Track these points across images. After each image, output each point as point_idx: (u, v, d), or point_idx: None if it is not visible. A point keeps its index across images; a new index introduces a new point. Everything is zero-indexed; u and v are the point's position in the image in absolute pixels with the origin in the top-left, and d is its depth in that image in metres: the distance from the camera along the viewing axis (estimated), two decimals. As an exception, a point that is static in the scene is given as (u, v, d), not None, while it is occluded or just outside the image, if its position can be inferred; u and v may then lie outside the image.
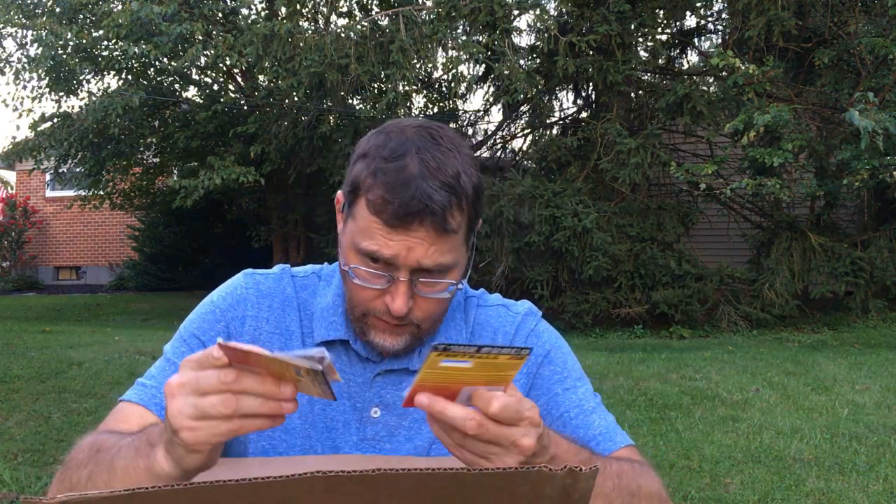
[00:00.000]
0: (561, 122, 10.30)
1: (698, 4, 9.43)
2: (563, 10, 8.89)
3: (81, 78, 10.27)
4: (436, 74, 10.20)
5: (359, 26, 8.74)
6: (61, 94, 10.34)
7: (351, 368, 0.98)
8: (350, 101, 9.46)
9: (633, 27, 8.65)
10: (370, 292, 0.89)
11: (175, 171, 12.46)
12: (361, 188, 0.87)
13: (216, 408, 0.63)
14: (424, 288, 0.89)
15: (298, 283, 1.03)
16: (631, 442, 0.97)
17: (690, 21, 10.06)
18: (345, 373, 0.98)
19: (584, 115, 9.91)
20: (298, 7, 9.18)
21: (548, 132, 10.23)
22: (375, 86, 9.45)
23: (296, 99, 9.07)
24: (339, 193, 0.93)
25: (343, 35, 8.41)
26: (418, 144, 0.87)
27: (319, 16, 10.42)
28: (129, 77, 10.25)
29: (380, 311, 0.90)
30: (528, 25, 9.89)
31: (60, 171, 11.22)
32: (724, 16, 9.77)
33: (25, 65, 9.93)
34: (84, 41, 9.24)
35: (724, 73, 8.13)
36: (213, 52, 8.88)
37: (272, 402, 0.64)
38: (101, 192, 11.82)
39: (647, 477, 0.87)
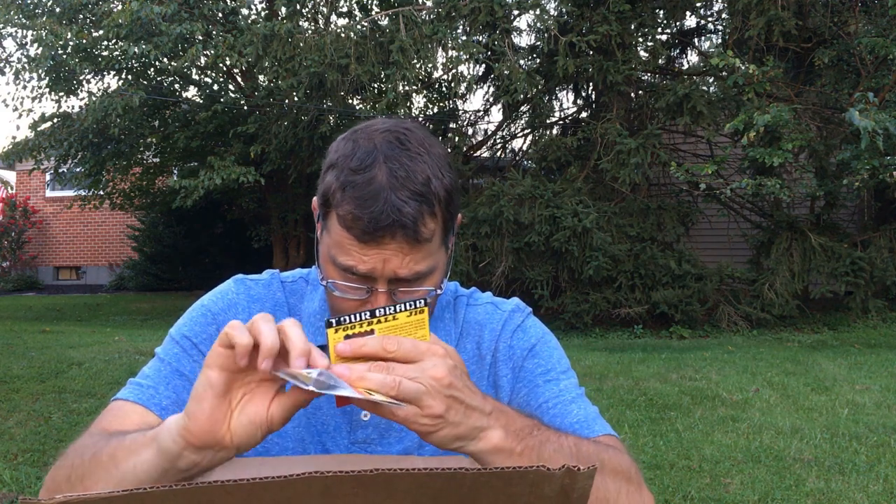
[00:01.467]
0: (561, 122, 10.30)
1: (698, 4, 9.44)
2: (563, 10, 8.89)
3: (81, 78, 10.26)
4: (436, 74, 10.21)
5: (359, 26, 8.73)
6: (61, 94, 10.34)
7: None
8: (350, 101, 9.46)
9: (633, 27, 8.64)
10: (351, 303, 0.89)
11: (175, 171, 12.46)
12: (332, 202, 0.87)
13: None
14: (404, 296, 0.88)
15: (288, 289, 1.03)
16: (612, 432, 0.94)
17: (690, 21, 10.07)
18: None
19: (584, 115, 9.92)
20: (298, 7, 9.17)
21: (548, 132, 10.23)
22: (375, 86, 9.45)
23: (296, 99, 9.06)
24: (315, 200, 0.92)
25: (343, 35, 8.40)
26: (386, 153, 0.86)
27: (319, 16, 10.41)
28: (129, 77, 10.25)
29: None
30: (528, 25, 9.91)
31: (60, 171, 11.21)
32: (724, 16, 9.77)
33: (25, 65, 9.93)
34: (84, 41, 9.24)
35: (724, 73, 8.13)
36: (213, 52, 8.87)
37: None
38: (101, 192, 11.82)
39: (615, 455, 0.84)
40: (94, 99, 9.73)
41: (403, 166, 0.85)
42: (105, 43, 9.64)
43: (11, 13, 9.74)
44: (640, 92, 9.24)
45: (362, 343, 0.69)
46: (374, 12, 9.92)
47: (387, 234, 0.83)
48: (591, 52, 8.46)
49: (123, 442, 0.76)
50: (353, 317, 0.70)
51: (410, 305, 0.69)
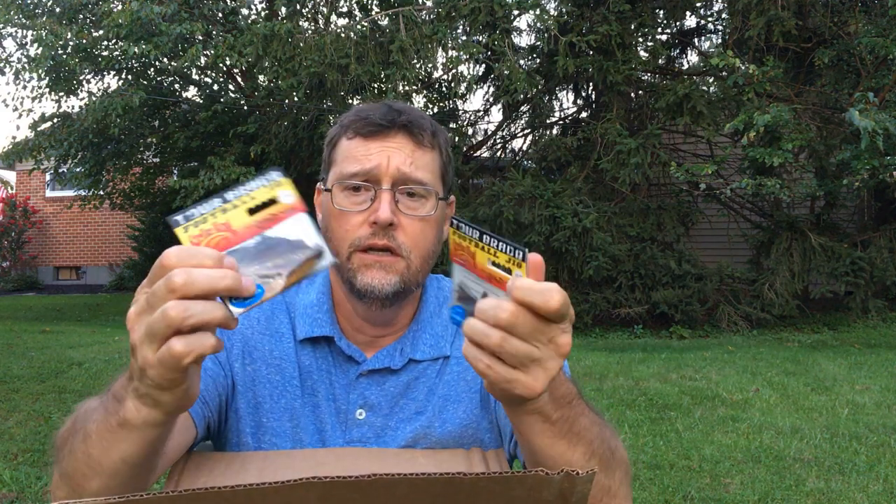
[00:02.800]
0: (561, 122, 10.30)
1: (698, 4, 9.43)
2: (563, 10, 8.88)
3: (81, 78, 10.26)
4: (436, 74, 10.20)
5: (359, 26, 8.73)
6: (61, 94, 10.34)
7: (335, 369, 0.98)
8: (350, 101, 9.45)
9: (633, 27, 8.64)
10: (355, 220, 0.90)
11: (175, 171, 12.45)
12: (335, 139, 0.95)
13: (160, 325, 0.56)
14: (404, 206, 0.91)
15: None
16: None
17: (690, 21, 10.07)
18: (329, 374, 0.98)
19: (584, 115, 9.91)
20: (298, 7, 9.17)
21: (548, 132, 10.23)
22: (375, 86, 9.44)
23: (296, 99, 9.06)
24: (318, 185, 0.99)
25: (343, 35, 8.40)
26: (388, 102, 0.95)
27: (319, 16, 10.41)
28: (129, 77, 10.25)
29: (365, 237, 0.90)
30: (528, 25, 9.90)
31: (60, 171, 11.22)
32: (724, 16, 9.76)
33: (25, 65, 9.93)
34: (84, 41, 9.23)
35: (724, 73, 8.13)
36: (213, 52, 8.87)
37: (218, 280, 0.57)
38: (101, 192, 11.81)
39: (619, 442, 0.84)
40: (94, 99, 9.73)
41: (405, 105, 0.95)
42: (105, 43, 9.63)
43: (11, 13, 9.74)
44: (640, 92, 9.24)
45: (534, 288, 0.60)
46: (374, 12, 9.92)
47: (392, 127, 0.91)
48: (591, 52, 8.46)
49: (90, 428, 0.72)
50: (196, 209, 0.62)
51: (264, 181, 0.63)
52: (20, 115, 11.32)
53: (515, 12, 8.56)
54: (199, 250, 0.58)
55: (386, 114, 0.91)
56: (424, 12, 8.40)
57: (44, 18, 9.31)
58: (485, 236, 0.63)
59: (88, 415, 0.72)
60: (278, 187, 0.64)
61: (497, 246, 0.63)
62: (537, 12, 8.35)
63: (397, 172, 0.89)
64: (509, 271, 0.62)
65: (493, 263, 0.63)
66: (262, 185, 0.63)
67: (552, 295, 0.59)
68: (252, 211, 0.63)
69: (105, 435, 0.68)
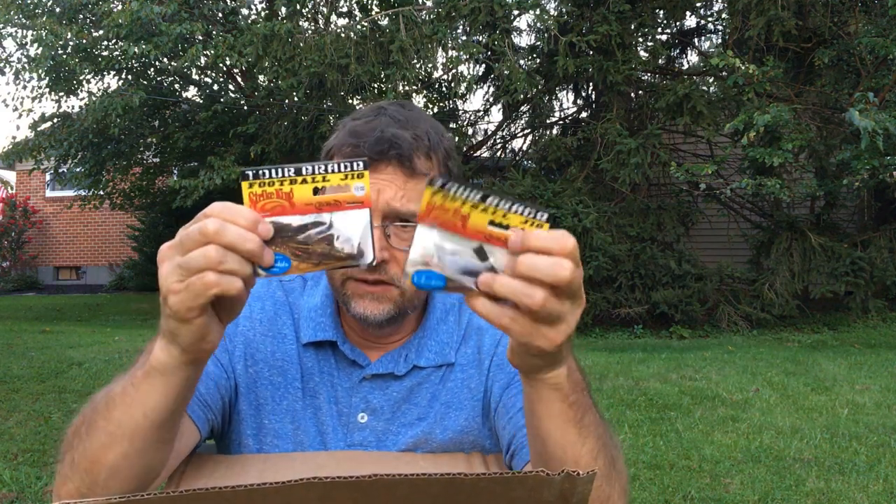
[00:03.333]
0: (561, 122, 10.30)
1: (698, 4, 9.43)
2: (563, 9, 8.88)
3: (81, 78, 10.26)
4: (436, 74, 10.20)
5: (359, 26, 8.73)
6: (61, 94, 10.34)
7: (338, 372, 0.97)
8: (350, 101, 9.45)
9: (633, 27, 8.64)
10: None
11: (175, 171, 12.45)
12: (333, 154, 0.92)
13: (197, 261, 0.61)
14: (396, 238, 0.88)
15: (286, 286, 1.03)
16: None
17: (690, 21, 10.06)
18: (332, 377, 0.97)
19: (584, 115, 9.91)
20: (298, 7, 9.16)
21: (548, 132, 10.23)
22: (375, 86, 9.44)
23: (296, 99, 9.06)
24: None
25: (343, 35, 8.40)
26: (387, 108, 0.92)
27: (319, 16, 10.41)
28: (129, 77, 10.25)
29: (357, 269, 0.89)
30: (528, 25, 9.90)
31: (60, 171, 11.22)
32: (724, 16, 9.76)
33: (25, 65, 9.93)
34: (84, 41, 9.23)
35: (724, 73, 8.13)
36: (213, 52, 8.87)
37: (249, 243, 0.60)
38: (101, 192, 11.81)
39: (621, 454, 0.84)
40: (93, 99, 9.73)
41: (404, 114, 0.91)
42: (105, 43, 9.63)
43: (11, 13, 9.73)
44: (640, 92, 9.23)
45: (548, 235, 0.59)
46: (374, 12, 9.92)
47: (383, 160, 0.87)
48: (591, 52, 8.46)
49: (116, 387, 0.75)
50: (271, 172, 0.63)
51: (346, 167, 0.63)
52: (20, 115, 11.32)
53: (515, 12, 8.56)
54: (240, 209, 0.62)
55: (375, 144, 0.87)
56: (424, 12, 8.40)
57: (44, 18, 9.31)
58: (491, 197, 0.60)
59: (111, 387, 0.76)
60: (356, 178, 0.64)
61: (509, 207, 0.60)
62: (537, 12, 8.34)
63: (388, 207, 0.87)
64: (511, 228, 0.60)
65: (497, 224, 0.60)
66: (341, 171, 0.63)
67: (567, 239, 0.59)
68: (317, 191, 0.63)
69: (129, 390, 0.72)
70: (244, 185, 0.63)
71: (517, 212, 0.60)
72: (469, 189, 0.60)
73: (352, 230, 0.64)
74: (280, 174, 0.63)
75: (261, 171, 0.63)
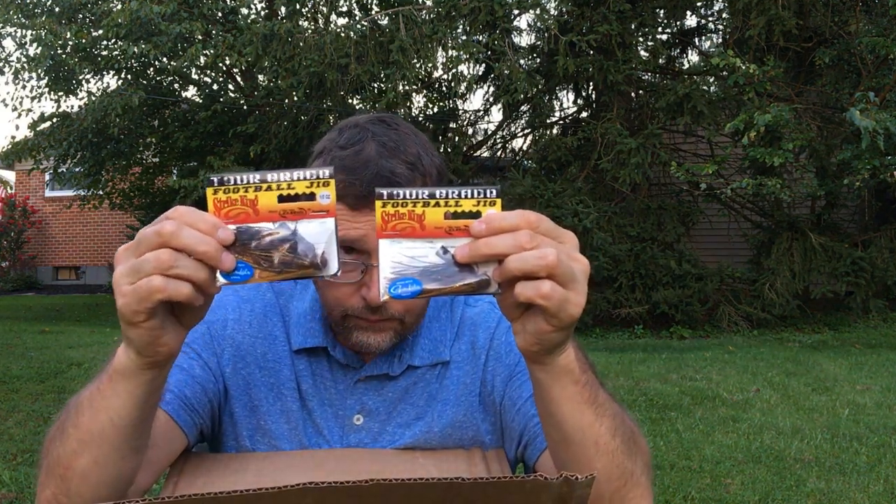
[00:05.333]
0: (561, 122, 10.29)
1: (699, 4, 9.43)
2: (564, 9, 8.88)
3: (81, 78, 10.26)
4: (436, 74, 10.20)
5: (359, 26, 8.72)
6: (61, 93, 10.34)
7: (332, 375, 0.97)
8: (350, 100, 9.45)
9: (633, 27, 8.64)
10: (345, 290, 0.87)
11: (175, 171, 12.45)
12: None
13: (148, 264, 0.60)
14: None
15: (276, 288, 1.01)
16: None
17: (691, 21, 10.06)
18: (326, 380, 0.97)
19: (584, 114, 9.91)
20: (298, 7, 9.16)
21: (548, 132, 10.23)
22: (375, 85, 9.44)
23: (295, 99, 9.06)
24: None
25: (343, 35, 8.40)
26: (374, 131, 0.88)
27: (319, 15, 10.40)
28: (129, 77, 10.24)
29: (357, 308, 0.88)
30: (528, 25, 9.89)
31: (60, 170, 11.20)
32: (724, 15, 9.76)
33: (25, 64, 9.92)
34: (83, 41, 9.23)
35: (724, 73, 8.12)
36: (212, 51, 8.87)
37: (207, 248, 0.60)
38: (101, 192, 11.81)
39: (639, 429, 0.84)
40: (93, 99, 9.73)
41: (392, 140, 0.87)
42: (104, 42, 9.63)
43: (11, 13, 9.73)
44: (641, 92, 9.23)
45: (502, 217, 0.61)
46: (373, 12, 9.91)
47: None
48: (592, 52, 8.46)
49: (84, 393, 0.76)
50: (236, 178, 0.63)
51: (311, 175, 0.64)
52: (19, 115, 11.34)
53: (515, 12, 8.56)
54: (201, 214, 0.61)
55: (373, 180, 0.83)
56: (424, 12, 8.40)
57: (43, 18, 9.31)
58: (437, 191, 0.62)
59: (81, 392, 0.76)
60: (321, 186, 0.63)
61: (459, 194, 0.62)
62: (537, 12, 8.35)
63: None
64: (479, 215, 0.62)
65: (452, 215, 0.62)
66: (306, 178, 0.63)
67: (524, 213, 0.61)
68: (282, 199, 0.63)
69: (95, 395, 0.72)
70: (209, 191, 0.62)
71: (467, 196, 0.61)
72: (416, 190, 0.62)
73: (316, 239, 0.63)
74: (245, 181, 0.62)
75: (226, 178, 0.62)
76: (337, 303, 0.89)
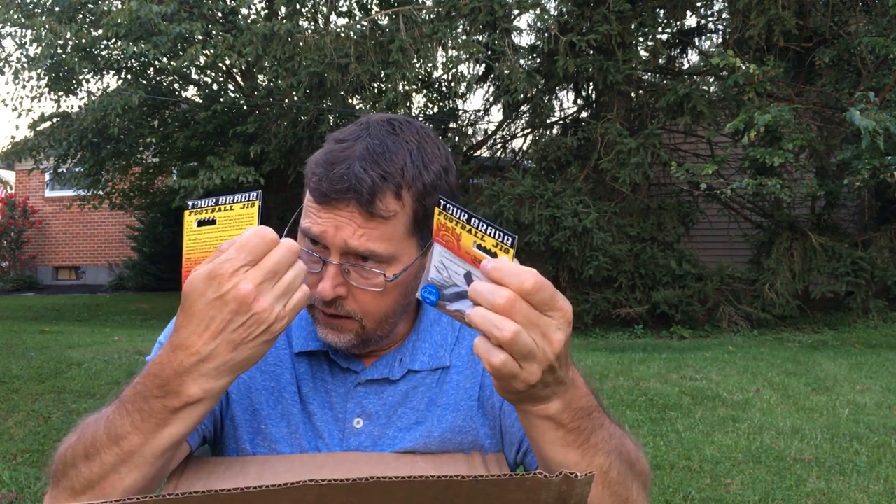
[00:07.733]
0: (561, 122, 10.29)
1: (699, 4, 9.42)
2: (564, 9, 8.88)
3: (81, 77, 10.26)
4: (436, 74, 10.20)
5: (359, 26, 8.72)
6: (60, 93, 10.34)
7: (332, 378, 0.97)
8: (350, 100, 9.45)
9: (633, 27, 8.63)
10: (312, 278, 0.87)
11: (175, 171, 12.45)
12: (307, 175, 0.89)
13: (294, 281, 0.70)
14: (355, 275, 0.86)
15: None
16: None
17: (691, 21, 10.05)
18: (326, 383, 0.96)
19: (584, 114, 9.90)
20: (298, 7, 9.16)
21: (548, 132, 10.22)
22: (375, 85, 9.44)
23: (295, 99, 9.06)
24: None
25: (343, 35, 8.40)
26: (373, 132, 0.87)
27: (319, 15, 10.41)
28: (129, 77, 10.24)
29: (317, 299, 0.88)
30: (528, 25, 9.88)
31: (60, 170, 11.21)
32: (724, 15, 9.75)
33: (25, 64, 9.92)
34: (83, 40, 9.23)
35: (724, 73, 8.12)
36: (212, 51, 8.87)
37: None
38: (101, 192, 11.81)
39: (641, 453, 0.85)
40: (93, 98, 9.73)
41: (383, 144, 0.86)
42: (104, 42, 9.63)
43: (11, 12, 9.73)
44: (641, 92, 9.23)
45: (503, 272, 0.64)
46: (373, 12, 9.92)
47: (341, 199, 0.83)
48: (592, 52, 8.46)
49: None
50: (202, 202, 0.75)
51: (244, 198, 0.73)
52: (19, 115, 11.33)
53: (515, 12, 8.56)
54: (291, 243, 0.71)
55: (337, 182, 0.83)
56: (424, 12, 8.40)
57: (43, 18, 9.31)
58: (473, 219, 0.66)
59: (108, 417, 0.76)
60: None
61: (486, 230, 0.66)
62: (537, 12, 8.35)
63: (345, 245, 0.84)
64: (495, 255, 0.66)
65: (479, 247, 0.66)
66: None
67: (525, 276, 0.63)
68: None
69: (148, 421, 0.72)
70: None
71: (491, 235, 0.66)
72: (460, 209, 0.68)
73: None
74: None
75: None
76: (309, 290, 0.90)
